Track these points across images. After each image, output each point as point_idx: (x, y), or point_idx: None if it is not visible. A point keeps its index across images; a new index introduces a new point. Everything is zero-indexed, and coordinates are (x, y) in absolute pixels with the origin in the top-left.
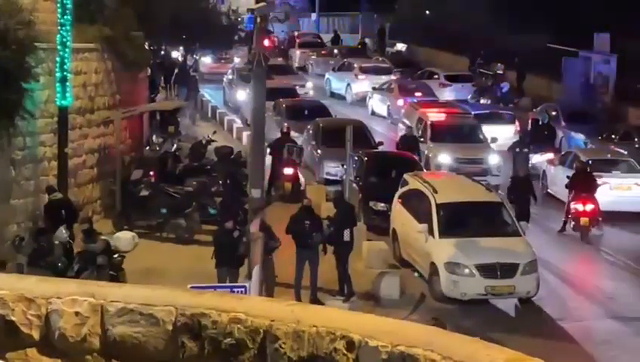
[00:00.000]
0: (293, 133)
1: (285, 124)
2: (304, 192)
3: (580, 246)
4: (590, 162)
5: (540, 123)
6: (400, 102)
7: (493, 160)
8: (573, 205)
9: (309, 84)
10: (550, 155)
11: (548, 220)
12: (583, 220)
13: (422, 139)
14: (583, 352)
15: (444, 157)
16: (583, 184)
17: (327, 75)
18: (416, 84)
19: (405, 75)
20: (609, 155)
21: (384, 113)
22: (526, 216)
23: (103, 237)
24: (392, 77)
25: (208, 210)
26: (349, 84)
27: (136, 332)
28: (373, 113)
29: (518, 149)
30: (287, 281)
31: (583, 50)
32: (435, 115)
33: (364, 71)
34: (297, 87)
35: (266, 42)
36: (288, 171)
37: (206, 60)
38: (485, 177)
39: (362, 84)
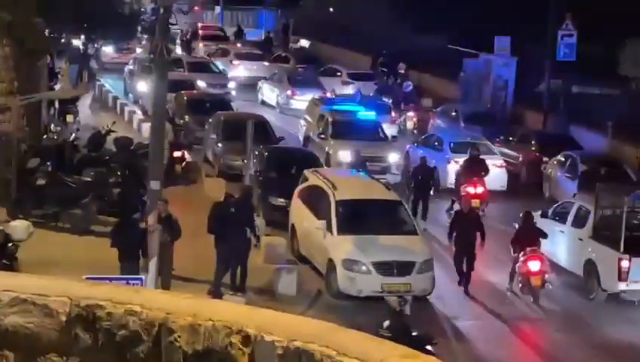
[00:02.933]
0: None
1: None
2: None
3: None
4: (452, 145)
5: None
6: (289, 92)
7: (394, 158)
8: (464, 188)
9: (232, 85)
10: None
11: (437, 213)
12: (474, 202)
13: (322, 136)
14: (474, 350)
15: (345, 155)
16: (474, 169)
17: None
18: (305, 76)
19: (309, 71)
20: (469, 139)
21: (273, 103)
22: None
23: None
24: (265, 63)
25: (105, 201)
26: (224, 70)
27: (29, 322)
28: (263, 103)
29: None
30: (183, 275)
31: (484, 53)
32: (337, 112)
33: (239, 57)
34: (219, 87)
35: None
36: (177, 154)
37: (107, 50)
38: (385, 175)
39: (237, 70)
